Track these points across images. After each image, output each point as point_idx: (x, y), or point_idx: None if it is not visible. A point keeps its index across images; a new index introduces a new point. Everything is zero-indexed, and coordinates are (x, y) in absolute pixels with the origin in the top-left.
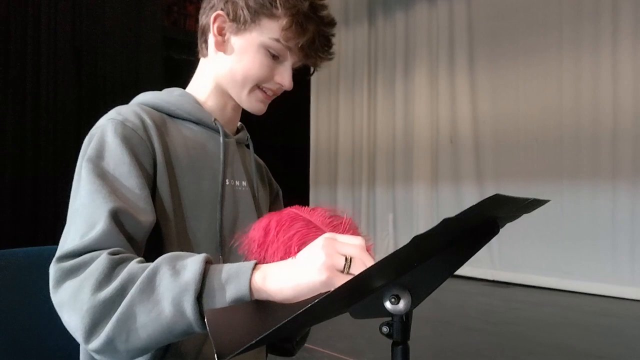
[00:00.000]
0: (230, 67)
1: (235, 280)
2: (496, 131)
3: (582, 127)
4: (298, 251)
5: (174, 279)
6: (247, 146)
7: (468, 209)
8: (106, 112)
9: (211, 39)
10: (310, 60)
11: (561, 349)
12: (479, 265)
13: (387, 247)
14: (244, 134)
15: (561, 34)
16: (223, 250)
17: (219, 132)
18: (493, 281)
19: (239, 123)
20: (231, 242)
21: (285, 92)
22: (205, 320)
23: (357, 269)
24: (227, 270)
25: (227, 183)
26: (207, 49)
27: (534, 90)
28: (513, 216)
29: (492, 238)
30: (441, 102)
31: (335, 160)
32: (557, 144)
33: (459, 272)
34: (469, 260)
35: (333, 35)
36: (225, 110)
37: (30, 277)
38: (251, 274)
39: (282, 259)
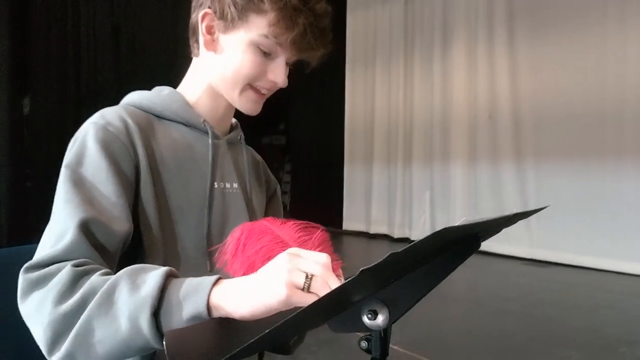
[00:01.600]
0: (220, 66)
1: (193, 296)
2: (536, 107)
3: (626, 103)
4: (262, 266)
5: (132, 293)
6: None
7: (415, 243)
8: (145, 89)
9: (201, 38)
10: (304, 55)
11: (596, 333)
12: (517, 243)
13: (424, 225)
14: (237, 133)
15: (605, 6)
16: (211, 256)
17: (209, 134)
18: (530, 260)
19: (234, 120)
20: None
21: (319, 69)
22: (164, 342)
23: (317, 287)
24: (187, 286)
25: (216, 186)
26: (198, 48)
27: (576, 65)
28: (494, 231)
29: (472, 254)
30: (480, 77)
31: (371, 137)
32: (599, 121)
33: (495, 250)
34: (506, 238)
35: (327, 26)
36: (216, 110)
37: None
38: (210, 290)
39: (244, 274)
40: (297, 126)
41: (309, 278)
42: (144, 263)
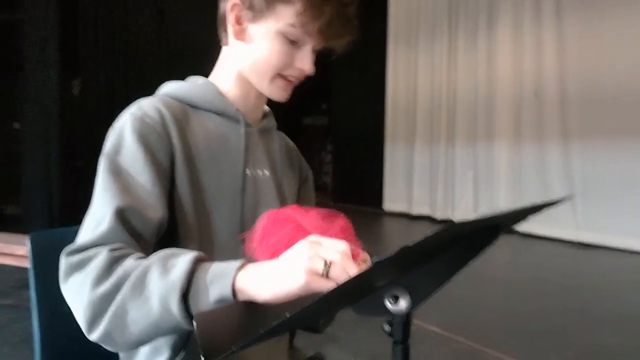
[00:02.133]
0: (250, 56)
1: (219, 280)
2: (584, 85)
3: None
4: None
5: (163, 277)
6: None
7: (427, 237)
8: (191, 72)
9: (230, 28)
10: (331, 43)
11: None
12: (561, 225)
13: (466, 206)
14: (269, 121)
15: None
16: (244, 241)
17: (241, 122)
18: (576, 242)
19: (266, 108)
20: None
21: (361, 47)
22: (194, 322)
23: (335, 274)
24: (214, 270)
25: (248, 173)
26: (227, 37)
27: (626, 42)
28: (515, 222)
29: (492, 243)
30: (525, 53)
31: (414, 115)
32: None
33: (538, 232)
34: (550, 220)
35: (353, 13)
36: (248, 99)
37: None
38: (235, 275)
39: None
40: (338, 106)
41: (327, 265)
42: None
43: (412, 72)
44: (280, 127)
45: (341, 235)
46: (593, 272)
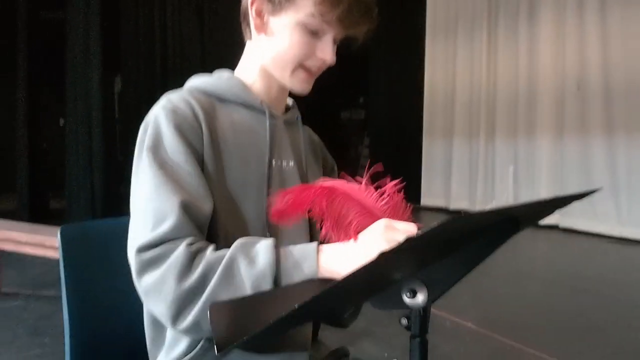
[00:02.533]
0: (271, 49)
1: (304, 263)
2: (628, 77)
3: None
4: (357, 234)
5: (251, 266)
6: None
7: (433, 228)
8: (228, 66)
9: (252, 22)
10: (351, 32)
11: None
12: (604, 221)
13: (507, 201)
14: (293, 113)
15: None
16: (270, 229)
17: (266, 114)
18: (619, 238)
19: (290, 101)
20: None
21: (397, 39)
22: (208, 313)
23: None
24: (295, 254)
25: (274, 164)
26: (249, 31)
27: None
28: (536, 216)
29: (511, 237)
30: (568, 45)
31: (452, 109)
32: None
33: (579, 227)
34: (592, 215)
35: (372, 2)
36: (271, 91)
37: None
38: (317, 256)
39: (341, 241)
40: (376, 99)
41: None
42: (208, 236)
43: (450, 66)
44: (318, 121)
45: (401, 215)
46: (636, 269)
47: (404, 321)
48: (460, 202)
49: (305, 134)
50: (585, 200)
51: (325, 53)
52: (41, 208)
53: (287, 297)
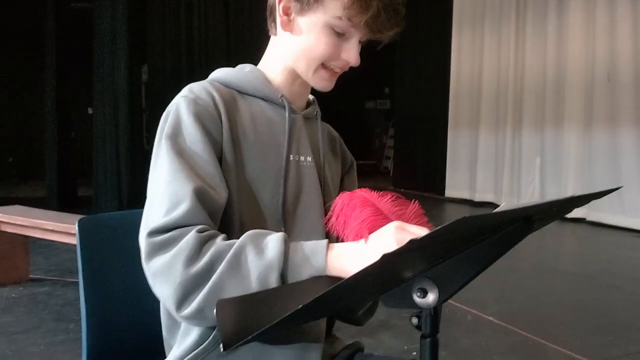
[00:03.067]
0: (296, 47)
1: (313, 258)
2: None
3: None
4: (367, 236)
5: (259, 257)
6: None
7: (437, 230)
8: (253, 58)
9: (278, 19)
10: (378, 35)
11: None
12: (632, 215)
13: (533, 193)
14: (313, 109)
15: None
16: (285, 223)
17: (286, 108)
18: None
19: (311, 97)
20: (289, 218)
21: (424, 29)
22: (215, 310)
23: None
24: (305, 249)
25: (292, 158)
26: (275, 27)
27: None
28: (552, 215)
29: (524, 237)
30: (598, 35)
31: (478, 100)
32: None
33: (607, 221)
34: (620, 209)
35: (401, 6)
36: (293, 87)
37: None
38: (326, 254)
39: (353, 241)
40: (401, 90)
41: None
42: (223, 227)
43: (477, 56)
44: (343, 111)
45: (416, 220)
46: None
47: (415, 320)
48: (485, 194)
49: (324, 130)
50: (613, 193)
51: (350, 55)
52: (70, 196)
53: (294, 295)
